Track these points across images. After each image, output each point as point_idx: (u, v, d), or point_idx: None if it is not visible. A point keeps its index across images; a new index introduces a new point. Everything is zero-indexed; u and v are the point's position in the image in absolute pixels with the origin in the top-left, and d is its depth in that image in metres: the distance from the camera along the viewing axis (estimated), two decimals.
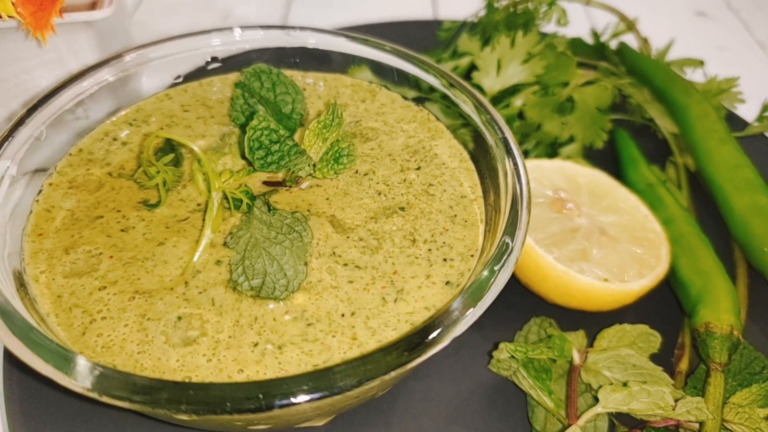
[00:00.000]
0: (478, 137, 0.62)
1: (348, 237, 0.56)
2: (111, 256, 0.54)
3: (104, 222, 0.57)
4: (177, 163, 0.61)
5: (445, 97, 0.66)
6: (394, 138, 0.65)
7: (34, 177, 0.59)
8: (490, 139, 0.60)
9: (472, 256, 0.55)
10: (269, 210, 0.55)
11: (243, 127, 0.64)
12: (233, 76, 0.71)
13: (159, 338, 0.49)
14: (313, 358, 0.49)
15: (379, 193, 0.60)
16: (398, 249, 0.55)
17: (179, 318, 0.51)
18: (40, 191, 0.59)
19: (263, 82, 0.64)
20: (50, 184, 0.60)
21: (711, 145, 0.74)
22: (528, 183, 0.55)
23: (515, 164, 0.56)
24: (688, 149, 0.78)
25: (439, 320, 0.45)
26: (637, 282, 0.63)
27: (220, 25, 0.97)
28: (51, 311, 0.51)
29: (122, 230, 0.56)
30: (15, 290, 0.49)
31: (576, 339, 0.63)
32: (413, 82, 0.69)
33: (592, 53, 0.89)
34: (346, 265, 0.54)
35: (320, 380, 0.41)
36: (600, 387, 0.56)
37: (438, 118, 0.67)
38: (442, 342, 0.44)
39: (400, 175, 0.61)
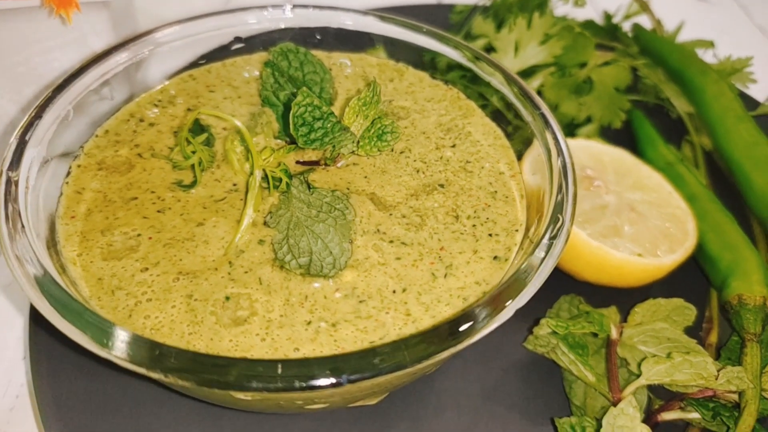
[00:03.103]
0: (512, 113, 0.62)
1: (391, 214, 0.55)
2: (150, 237, 0.53)
3: (139, 203, 0.56)
4: (208, 143, 0.60)
5: (475, 75, 0.65)
6: (426, 116, 0.65)
7: (62, 159, 0.58)
8: (527, 115, 0.59)
9: (516, 231, 0.55)
10: (309, 189, 0.54)
11: (274, 107, 0.62)
12: (257, 56, 0.70)
13: (209, 319, 0.48)
14: (369, 335, 0.48)
15: (418, 171, 0.59)
16: (442, 225, 0.55)
17: (227, 298, 0.50)
18: (68, 173, 0.57)
19: (291, 61, 0.63)
20: (78, 166, 0.58)
21: (729, 123, 0.75)
22: (571, 155, 0.55)
23: (556, 138, 0.56)
24: (705, 128, 0.79)
25: (503, 290, 0.45)
26: (669, 257, 0.64)
27: (222, 9, 0.96)
28: (93, 295, 0.49)
29: (158, 211, 0.55)
30: (58, 274, 0.48)
31: (609, 315, 0.64)
32: (444, 62, 0.69)
33: (604, 35, 0.89)
34: (391, 242, 0.54)
35: (394, 354, 0.41)
36: (642, 360, 0.57)
37: (468, 96, 0.66)
38: (508, 312, 0.44)
39: (436, 152, 0.61)
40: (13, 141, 0.53)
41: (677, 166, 0.75)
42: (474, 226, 0.55)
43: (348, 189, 0.57)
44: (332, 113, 0.54)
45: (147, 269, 0.51)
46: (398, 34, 0.69)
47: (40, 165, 0.54)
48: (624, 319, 0.64)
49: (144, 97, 0.65)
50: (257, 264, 0.52)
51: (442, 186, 0.58)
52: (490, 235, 0.55)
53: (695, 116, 0.80)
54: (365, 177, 0.58)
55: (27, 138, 0.53)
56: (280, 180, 0.55)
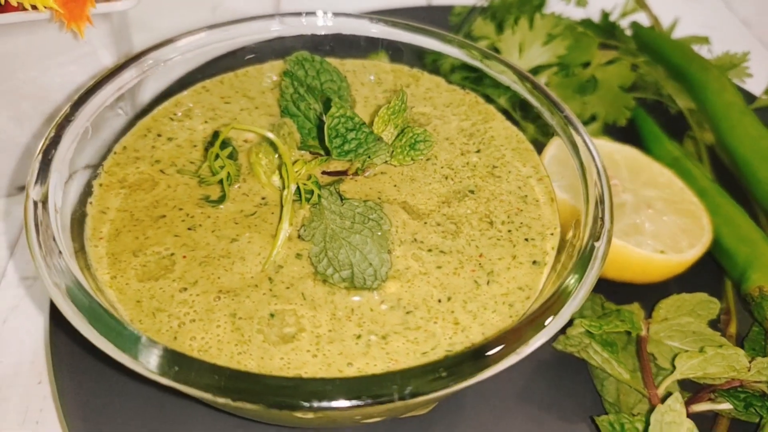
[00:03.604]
0: (520, 114, 0.62)
1: (425, 223, 0.55)
2: (184, 256, 0.52)
3: (168, 221, 0.54)
4: (231, 156, 0.59)
5: (481, 78, 0.66)
6: (447, 122, 0.64)
7: (81, 178, 0.56)
8: (550, 119, 0.60)
9: (551, 234, 0.55)
10: (341, 200, 0.54)
11: (294, 117, 0.61)
12: (268, 66, 0.69)
13: (256, 337, 0.47)
14: (420, 345, 0.48)
15: (446, 177, 0.59)
16: (478, 232, 0.55)
17: (272, 315, 0.49)
18: (91, 193, 0.56)
19: (307, 70, 0.63)
20: (101, 185, 0.56)
21: (733, 118, 0.77)
22: (600, 156, 0.55)
23: (585, 141, 0.57)
24: (708, 123, 0.80)
25: (557, 296, 0.45)
26: (689, 252, 0.65)
27: (210, 18, 0.94)
28: (134, 318, 0.48)
29: (189, 228, 0.54)
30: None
31: (634, 312, 0.65)
32: (448, 65, 0.69)
33: (602, 33, 0.90)
34: (430, 250, 0.53)
35: (461, 366, 0.40)
36: (676, 355, 0.58)
37: (486, 101, 0.67)
38: (564, 319, 0.44)
39: (461, 158, 0.61)
40: (36, 161, 0.51)
41: (684, 162, 0.76)
42: (509, 231, 0.55)
43: (379, 198, 0.57)
44: (364, 123, 0.53)
45: (186, 289, 0.50)
46: (411, 39, 0.68)
47: (63, 185, 0.52)
48: (648, 315, 0.65)
49: (159, 111, 0.63)
50: (298, 279, 0.51)
51: (472, 192, 0.58)
52: (527, 239, 0.55)
53: (696, 112, 0.82)
54: (395, 186, 0.58)
55: (50, 157, 0.51)
56: (311, 192, 0.54)
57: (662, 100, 0.86)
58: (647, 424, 0.51)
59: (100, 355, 0.59)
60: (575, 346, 0.61)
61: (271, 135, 0.51)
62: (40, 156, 0.51)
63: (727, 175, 0.80)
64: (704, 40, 0.89)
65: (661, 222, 0.67)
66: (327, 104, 0.62)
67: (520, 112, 0.66)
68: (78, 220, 0.53)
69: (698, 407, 0.59)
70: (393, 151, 0.56)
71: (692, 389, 0.61)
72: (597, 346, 0.59)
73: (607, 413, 0.59)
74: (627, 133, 0.85)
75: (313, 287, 0.50)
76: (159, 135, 0.61)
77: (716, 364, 0.56)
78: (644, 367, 0.60)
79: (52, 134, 0.53)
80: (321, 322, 0.48)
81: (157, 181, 0.57)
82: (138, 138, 0.61)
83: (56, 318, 0.62)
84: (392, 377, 0.40)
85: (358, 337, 0.48)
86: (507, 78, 0.64)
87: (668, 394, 0.52)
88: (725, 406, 0.59)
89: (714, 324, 0.67)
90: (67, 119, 0.54)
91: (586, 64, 0.82)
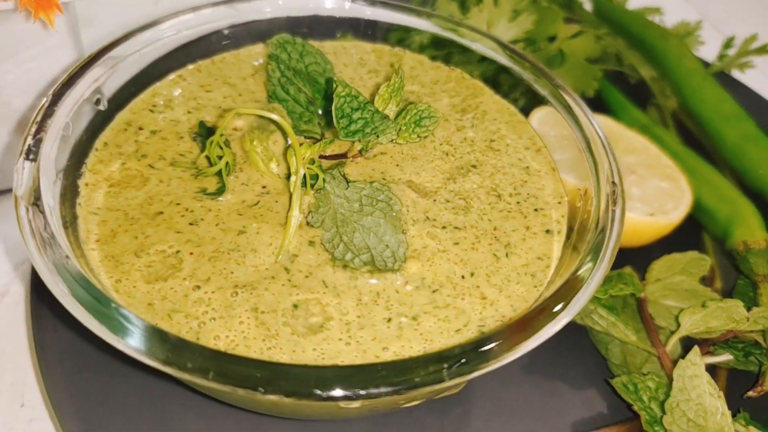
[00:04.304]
0: (524, 90, 0.62)
1: (434, 200, 0.54)
2: (191, 253, 0.49)
3: (167, 218, 0.51)
4: (226, 145, 0.56)
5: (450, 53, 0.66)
6: (438, 99, 0.64)
7: (66, 178, 0.51)
8: (542, 90, 0.60)
9: (559, 203, 0.56)
10: (347, 183, 0.52)
11: (283, 102, 0.59)
12: (245, 51, 0.66)
13: (284, 330, 0.45)
14: (452, 323, 0.47)
15: (447, 154, 0.58)
16: (488, 205, 0.55)
17: (295, 306, 0.47)
18: (78, 194, 0.51)
19: (290, 53, 0.60)
20: (86, 185, 0.52)
21: (695, 83, 0.80)
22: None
23: (581, 107, 0.57)
24: (672, 90, 0.83)
25: (581, 267, 0.45)
26: (675, 213, 0.67)
27: (153, 11, 0.89)
28: (149, 322, 0.45)
29: (191, 224, 0.51)
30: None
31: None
32: (417, 42, 0.68)
33: (561, 7, 0.92)
34: (444, 227, 0.53)
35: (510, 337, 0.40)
36: (679, 312, 0.59)
37: (472, 75, 0.66)
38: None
39: (458, 134, 0.60)
40: (22, 163, 0.46)
41: (653, 128, 0.78)
42: (518, 203, 0.55)
43: (384, 179, 0.55)
44: (369, 102, 0.52)
45: (199, 287, 0.47)
46: (390, 18, 0.67)
47: (52, 186, 0.48)
48: (641, 278, 0.67)
49: (136, 103, 0.59)
50: (316, 266, 0.49)
51: (474, 167, 0.58)
52: (536, 209, 0.55)
53: (659, 79, 0.85)
54: (397, 165, 0.57)
55: (35, 156, 0.47)
56: (315, 177, 0.52)
57: (623, 70, 0.88)
58: (670, 380, 0.53)
59: (91, 359, 0.56)
60: (579, 312, 0.62)
61: (276, 117, 0.49)
62: (25, 155, 0.47)
63: (691, 140, 0.83)
64: (657, 11, 0.92)
65: (646, 186, 0.69)
66: (316, 87, 0.60)
67: (492, 89, 0.66)
68: (71, 223, 0.49)
69: None
70: (400, 129, 0.54)
71: (688, 348, 0.63)
72: (602, 310, 0.61)
73: (614, 375, 0.60)
74: (593, 104, 0.86)
75: (333, 274, 0.49)
76: (140, 128, 0.57)
77: (718, 317, 0.58)
78: (649, 328, 0.61)
79: (34, 130, 0.48)
80: (348, 308, 0.47)
81: (147, 176, 0.54)
82: (118, 132, 0.57)
83: (40, 326, 0.57)
84: (454, 353, 0.39)
85: (389, 320, 0.47)
86: (484, 46, 0.64)
87: (683, 352, 0.54)
88: (723, 358, 0.61)
89: (701, 282, 0.70)
90: (47, 114, 0.50)
91: (552, 39, 0.83)
